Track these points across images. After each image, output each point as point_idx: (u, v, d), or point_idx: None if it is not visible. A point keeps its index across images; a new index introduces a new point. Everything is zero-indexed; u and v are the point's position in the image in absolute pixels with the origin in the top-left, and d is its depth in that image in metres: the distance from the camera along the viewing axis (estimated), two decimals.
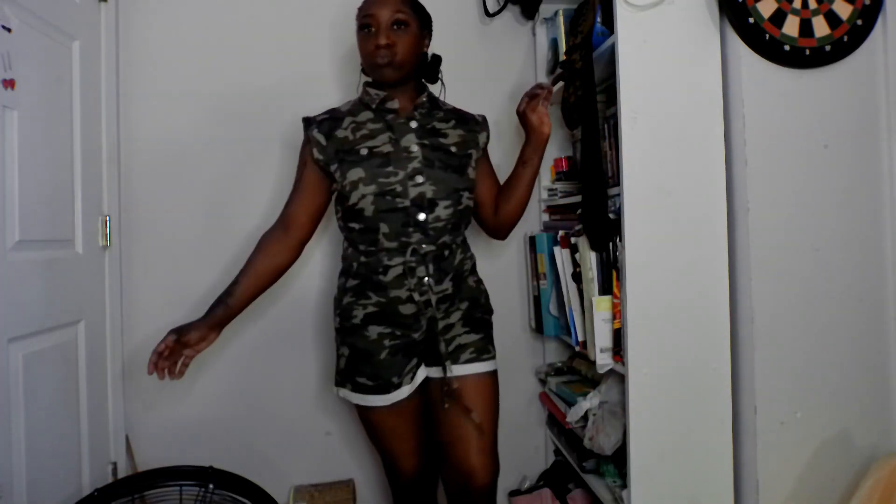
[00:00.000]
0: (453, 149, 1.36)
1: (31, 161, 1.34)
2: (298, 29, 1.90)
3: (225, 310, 1.36)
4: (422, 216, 1.29)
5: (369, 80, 1.39)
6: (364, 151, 1.30)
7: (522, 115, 1.40)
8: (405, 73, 1.33)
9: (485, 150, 1.45)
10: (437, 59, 1.45)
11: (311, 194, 1.37)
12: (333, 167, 1.32)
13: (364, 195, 1.28)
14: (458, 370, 1.36)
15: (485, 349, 1.40)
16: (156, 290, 1.82)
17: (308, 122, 1.38)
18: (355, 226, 1.32)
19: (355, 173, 1.29)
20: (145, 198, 1.82)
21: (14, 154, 1.28)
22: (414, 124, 1.34)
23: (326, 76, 1.91)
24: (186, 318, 1.86)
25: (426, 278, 1.30)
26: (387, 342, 1.33)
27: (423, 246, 1.29)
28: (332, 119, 1.37)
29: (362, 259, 1.33)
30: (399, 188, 1.28)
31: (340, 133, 1.34)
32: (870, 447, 1.35)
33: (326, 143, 1.33)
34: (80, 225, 1.57)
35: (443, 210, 1.30)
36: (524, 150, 1.42)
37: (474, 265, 1.45)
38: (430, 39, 1.42)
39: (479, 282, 1.46)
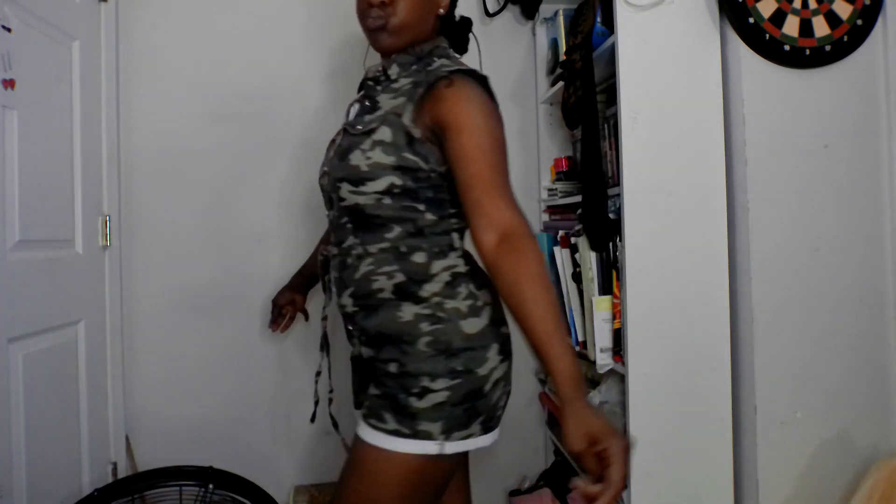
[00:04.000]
0: (358, 127, 1.01)
1: (31, 161, 1.33)
2: (299, 28, 1.90)
3: (300, 278, 1.44)
4: (328, 212, 1.11)
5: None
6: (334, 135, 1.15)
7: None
8: (406, 40, 1.04)
9: (424, 122, 0.96)
10: (465, 23, 1.18)
11: None
12: None
13: None
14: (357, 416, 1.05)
15: (376, 413, 0.98)
16: (156, 290, 1.82)
17: None
18: None
19: None
20: (145, 198, 1.82)
21: (14, 154, 1.28)
22: (367, 102, 1.08)
23: (327, 76, 1.91)
24: (186, 317, 1.87)
25: (331, 286, 1.09)
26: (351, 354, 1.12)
27: (332, 248, 1.08)
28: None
29: None
30: (321, 179, 1.11)
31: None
32: (870, 447, 1.35)
33: None
34: (80, 225, 1.57)
35: (335, 207, 1.06)
36: (560, 392, 0.89)
37: (409, 290, 0.99)
38: None
39: (426, 318, 0.98)
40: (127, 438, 1.76)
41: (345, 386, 1.18)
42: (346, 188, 1.00)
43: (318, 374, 1.26)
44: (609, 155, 1.53)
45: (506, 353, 1.04)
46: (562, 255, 1.61)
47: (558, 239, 1.63)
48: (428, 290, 0.99)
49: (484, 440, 0.99)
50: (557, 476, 1.88)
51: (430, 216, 1.00)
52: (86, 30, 1.61)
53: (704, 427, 1.34)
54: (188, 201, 1.84)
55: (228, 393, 1.86)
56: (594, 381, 1.66)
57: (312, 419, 1.25)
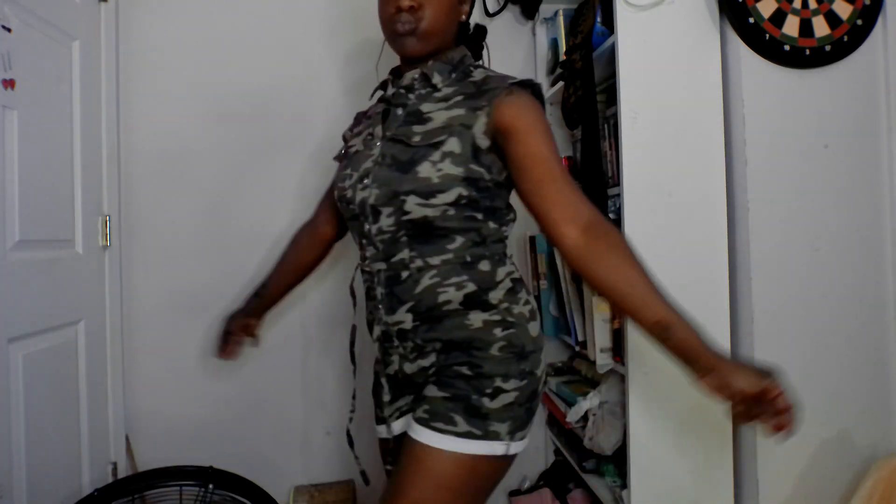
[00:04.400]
0: (416, 138, 0.99)
1: (31, 161, 1.33)
2: (299, 28, 1.90)
3: (258, 301, 1.36)
4: (366, 227, 1.04)
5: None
6: (342, 153, 1.17)
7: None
8: (433, 46, 1.04)
9: (497, 132, 0.98)
10: (480, 31, 1.18)
11: (331, 192, 1.25)
12: None
13: (335, 202, 1.14)
14: (400, 427, 1.10)
15: (444, 416, 0.96)
16: (156, 290, 1.82)
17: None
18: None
19: (336, 175, 1.16)
20: (145, 198, 1.82)
21: (14, 154, 1.28)
22: (399, 111, 1.05)
23: (327, 76, 1.91)
24: (186, 317, 1.87)
25: (377, 303, 1.05)
26: (377, 367, 1.14)
27: (374, 263, 1.04)
28: (359, 114, 1.23)
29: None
30: (350, 193, 1.06)
31: (347, 133, 1.20)
32: (870, 447, 1.35)
33: (344, 145, 1.19)
34: (80, 225, 1.57)
35: (385, 219, 1.01)
36: (689, 344, 0.97)
37: (479, 298, 1.00)
38: (470, 5, 1.13)
39: (497, 324, 1.00)
40: (127, 438, 1.76)
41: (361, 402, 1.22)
42: (413, 201, 0.97)
43: (353, 411, 1.22)
44: (609, 155, 1.53)
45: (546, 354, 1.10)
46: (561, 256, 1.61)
47: None
48: (495, 297, 1.01)
49: (525, 442, 1.02)
50: (557, 476, 1.88)
51: (491, 224, 1.03)
52: (86, 30, 1.61)
53: (704, 427, 1.34)
54: (188, 201, 1.84)
55: (228, 393, 1.86)
56: (594, 381, 1.66)
57: (351, 444, 1.20)
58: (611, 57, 1.39)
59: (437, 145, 0.98)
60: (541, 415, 2.02)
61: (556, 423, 1.84)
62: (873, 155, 1.37)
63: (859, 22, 1.33)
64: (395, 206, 0.99)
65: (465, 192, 0.98)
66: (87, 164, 1.59)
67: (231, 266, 1.86)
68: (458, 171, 0.97)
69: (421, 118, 1.02)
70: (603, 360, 1.43)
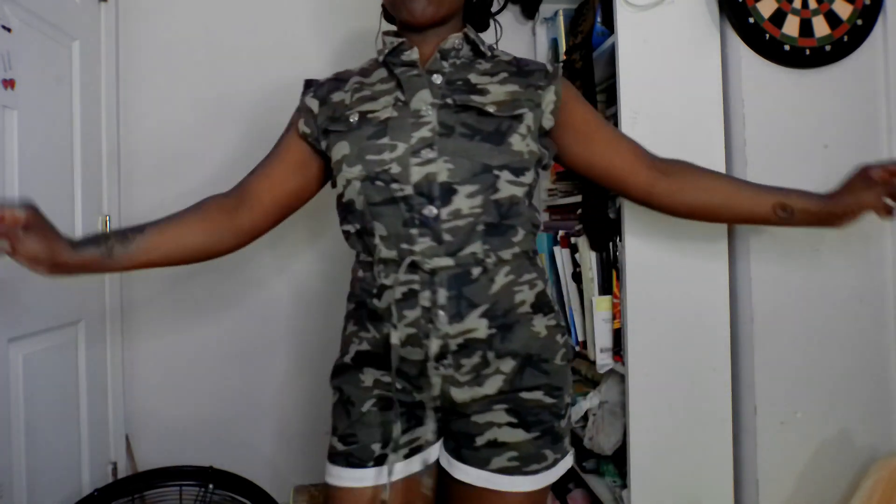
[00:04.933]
0: (491, 108, 0.90)
1: (31, 161, 1.33)
2: (300, 28, 1.90)
3: (102, 257, 0.96)
4: (430, 210, 0.86)
5: (391, 28, 1.03)
6: (354, 118, 0.92)
7: (857, 187, 0.99)
8: (445, 10, 0.94)
9: (561, 109, 0.97)
10: (485, 4, 1.09)
11: (283, 171, 1.01)
12: (324, 144, 0.96)
13: (349, 180, 0.90)
14: (477, 478, 0.92)
15: (537, 456, 0.90)
16: (156, 289, 1.82)
17: (308, 84, 1.04)
18: (350, 228, 0.95)
19: (340, 149, 0.92)
20: (145, 198, 1.82)
21: (14, 154, 1.28)
22: (437, 78, 0.92)
23: (326, 76, 1.91)
24: (186, 317, 1.87)
25: (436, 310, 0.86)
26: (378, 390, 0.93)
27: (433, 259, 0.86)
28: (335, 80, 1.02)
29: (360, 274, 0.96)
30: (395, 168, 0.87)
31: (337, 96, 0.97)
32: (870, 447, 1.35)
33: (319, 110, 0.98)
34: (80, 225, 1.57)
35: (465, 200, 0.86)
36: (809, 206, 1.01)
37: (545, 299, 0.94)
38: None
39: (556, 329, 0.95)
40: (127, 438, 1.76)
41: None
42: (505, 177, 0.88)
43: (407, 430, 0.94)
44: None
45: None
46: (562, 255, 1.61)
47: (558, 239, 1.63)
48: (552, 296, 0.96)
49: None
50: None
51: (537, 214, 0.98)
52: (86, 30, 1.61)
53: (704, 427, 1.34)
54: (188, 201, 1.83)
55: (228, 393, 1.86)
56: (594, 381, 1.66)
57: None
58: (611, 57, 1.39)
59: (519, 118, 0.91)
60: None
61: None
62: (873, 155, 1.36)
63: (859, 22, 1.32)
64: (483, 184, 0.87)
65: (535, 173, 0.94)
66: (87, 164, 1.59)
67: (231, 266, 1.86)
68: (535, 147, 0.93)
69: (475, 89, 0.92)
70: (603, 360, 1.43)
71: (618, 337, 1.41)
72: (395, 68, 0.95)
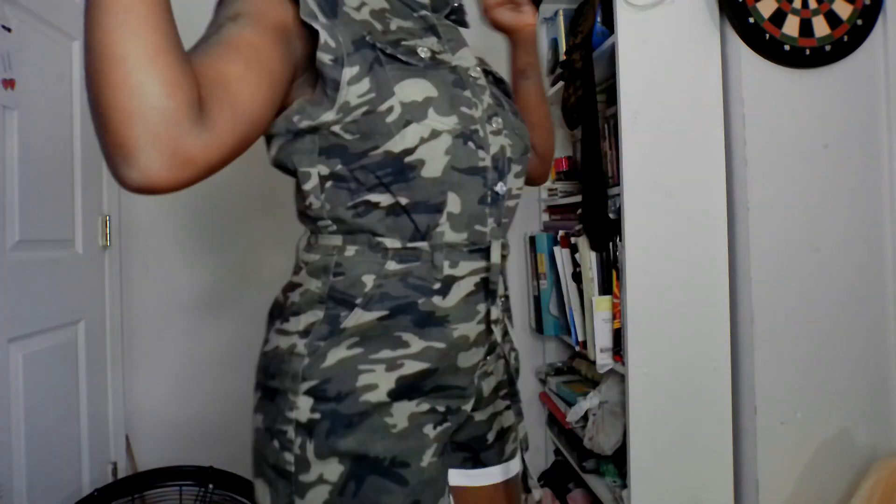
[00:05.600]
0: (505, 86, 0.86)
1: (31, 161, 1.33)
2: None
3: None
4: (502, 187, 0.74)
5: None
6: (425, 53, 0.69)
7: (491, 16, 0.96)
8: None
9: None
10: None
11: (268, 81, 0.59)
12: (353, 70, 0.63)
13: (437, 132, 0.66)
14: (497, 474, 0.84)
15: (524, 439, 0.82)
16: (156, 290, 1.82)
17: None
18: (386, 200, 0.68)
19: (419, 88, 0.66)
20: (145, 198, 1.82)
21: (14, 154, 1.29)
22: (450, 38, 0.76)
23: None
24: (186, 317, 1.87)
25: (500, 300, 0.76)
26: (430, 430, 0.70)
27: (497, 242, 0.74)
28: None
29: (392, 267, 0.69)
30: (482, 131, 0.71)
31: (354, 14, 0.67)
32: (870, 447, 1.35)
33: (330, 20, 0.64)
34: (80, 225, 1.57)
35: (514, 180, 0.77)
36: (515, 59, 0.97)
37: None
38: None
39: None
40: (127, 438, 1.76)
41: None
42: (529, 160, 0.83)
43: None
44: (609, 155, 1.53)
45: None
46: (562, 255, 1.61)
47: (558, 239, 1.63)
48: None
49: None
50: (557, 476, 1.88)
51: None
52: None
53: (704, 427, 1.34)
54: (188, 201, 1.84)
55: (228, 393, 1.86)
56: (594, 381, 1.66)
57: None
58: (611, 57, 1.39)
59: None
60: (541, 415, 2.02)
61: (556, 423, 1.84)
62: (873, 155, 1.37)
63: (859, 22, 1.32)
64: (524, 165, 0.80)
65: None
66: (87, 164, 1.59)
67: (231, 266, 1.86)
68: None
69: (483, 62, 0.86)
70: (603, 360, 1.42)
71: (618, 337, 1.41)
72: (419, 9, 0.75)
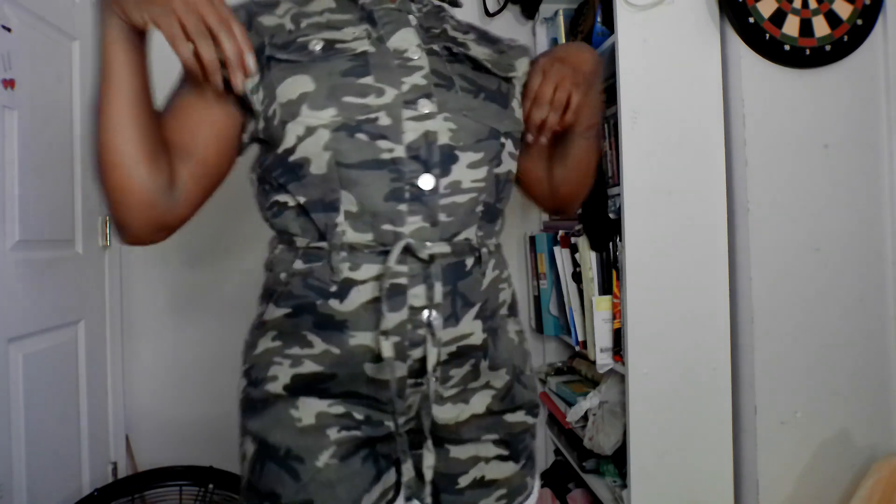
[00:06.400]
0: (489, 64, 0.75)
1: (31, 161, 1.33)
2: None
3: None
4: (427, 181, 0.67)
5: None
6: (316, 45, 0.68)
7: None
8: None
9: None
10: None
11: (200, 137, 0.71)
12: (254, 80, 0.68)
13: (311, 128, 0.66)
14: None
15: (522, 486, 0.77)
16: (156, 290, 1.82)
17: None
18: (288, 199, 0.70)
19: (294, 85, 0.67)
20: None
21: (14, 154, 1.28)
22: (412, 20, 0.74)
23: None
24: (186, 317, 1.87)
25: (427, 311, 0.67)
26: (334, 432, 0.69)
27: (427, 243, 0.67)
28: (253, 4, 0.73)
29: (298, 266, 0.70)
30: (385, 120, 0.66)
31: (269, 20, 0.71)
32: (870, 447, 1.35)
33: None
34: (80, 225, 1.57)
35: (466, 171, 0.69)
36: (577, 123, 0.82)
37: (516, 299, 0.82)
38: None
39: (523, 335, 0.82)
40: (127, 438, 1.76)
41: None
42: (509, 148, 0.74)
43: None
44: (609, 155, 1.53)
45: None
46: (562, 255, 1.61)
47: (558, 239, 1.63)
48: (512, 297, 0.81)
49: None
50: (557, 476, 1.88)
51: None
52: (86, 30, 1.61)
53: (704, 427, 1.34)
54: None
55: (228, 393, 1.85)
56: (594, 381, 1.66)
57: None
58: (611, 57, 1.39)
59: (512, 81, 0.78)
60: (541, 414, 2.02)
61: (556, 423, 1.84)
62: (873, 155, 1.37)
63: (859, 22, 1.32)
64: (488, 152, 0.70)
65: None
66: (86, 164, 1.59)
67: (231, 266, 1.86)
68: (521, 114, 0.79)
69: (454, 40, 0.76)
70: (603, 360, 1.42)
71: (618, 337, 1.41)
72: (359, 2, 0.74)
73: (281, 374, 0.71)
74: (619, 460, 1.48)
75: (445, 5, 0.84)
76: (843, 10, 1.32)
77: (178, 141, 0.69)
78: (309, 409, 0.69)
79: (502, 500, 0.74)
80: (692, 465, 1.34)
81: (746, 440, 1.34)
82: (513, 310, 0.80)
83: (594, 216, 1.43)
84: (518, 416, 0.77)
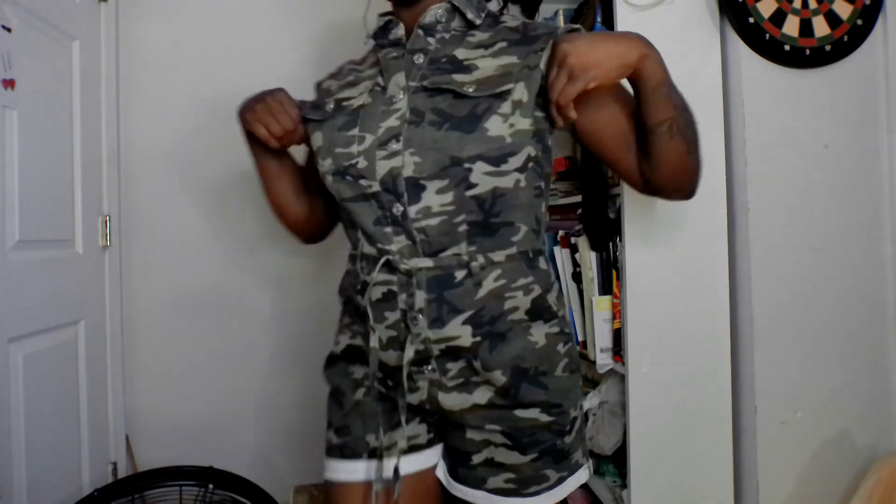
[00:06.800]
0: (470, 88, 0.80)
1: (31, 161, 1.34)
2: (299, 28, 1.90)
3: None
4: (397, 208, 0.80)
5: (388, 7, 0.93)
6: (330, 106, 0.89)
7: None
8: None
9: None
10: None
11: (310, 172, 1.01)
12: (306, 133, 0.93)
13: (323, 174, 0.88)
14: (474, 497, 0.86)
15: (536, 478, 0.83)
16: (156, 290, 1.82)
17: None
18: (343, 218, 0.93)
19: (315, 140, 0.90)
20: (145, 198, 1.82)
21: (14, 154, 1.29)
22: (419, 58, 0.85)
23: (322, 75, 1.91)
24: (186, 317, 1.87)
25: (414, 314, 0.80)
26: (367, 382, 0.90)
27: (412, 259, 0.80)
28: (341, 67, 1.00)
29: (349, 266, 0.93)
30: (362, 163, 0.81)
31: (328, 83, 0.97)
32: (870, 447, 1.35)
33: (310, 100, 0.96)
34: (80, 225, 1.57)
35: (435, 197, 0.79)
36: (643, 115, 0.85)
37: (543, 304, 0.85)
38: None
39: (558, 336, 0.86)
40: (127, 438, 1.76)
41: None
42: (481, 169, 0.78)
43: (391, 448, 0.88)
44: None
45: None
46: (562, 255, 1.61)
47: (558, 239, 1.63)
48: (553, 301, 0.85)
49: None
50: None
51: (544, 204, 0.88)
52: (86, 30, 1.61)
53: (704, 427, 1.34)
54: (188, 201, 1.84)
55: (228, 393, 1.86)
56: (594, 381, 1.66)
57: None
58: None
59: (503, 95, 0.79)
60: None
61: None
62: (873, 155, 1.37)
63: (859, 22, 1.32)
64: (453, 179, 0.78)
65: (533, 152, 0.82)
66: (87, 164, 1.59)
67: (231, 266, 1.86)
68: (527, 123, 0.80)
69: (461, 66, 0.82)
70: (603, 360, 1.42)
71: (618, 337, 1.41)
72: (380, 50, 0.89)
73: (342, 342, 0.95)
74: (619, 460, 1.48)
75: (500, 13, 0.94)
76: (843, 10, 1.32)
77: (306, 180, 1.03)
78: (357, 369, 0.92)
79: (510, 484, 0.83)
80: (692, 465, 1.34)
81: (746, 440, 1.34)
82: (538, 314, 0.84)
83: (594, 216, 1.43)
84: (530, 413, 0.83)
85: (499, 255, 0.81)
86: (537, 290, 0.84)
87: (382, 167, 0.81)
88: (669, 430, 1.33)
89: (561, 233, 1.64)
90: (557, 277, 1.62)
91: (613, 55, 0.77)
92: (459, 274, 0.80)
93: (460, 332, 0.80)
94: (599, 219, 1.42)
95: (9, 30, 1.26)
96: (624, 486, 1.39)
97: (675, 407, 1.33)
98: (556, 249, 1.62)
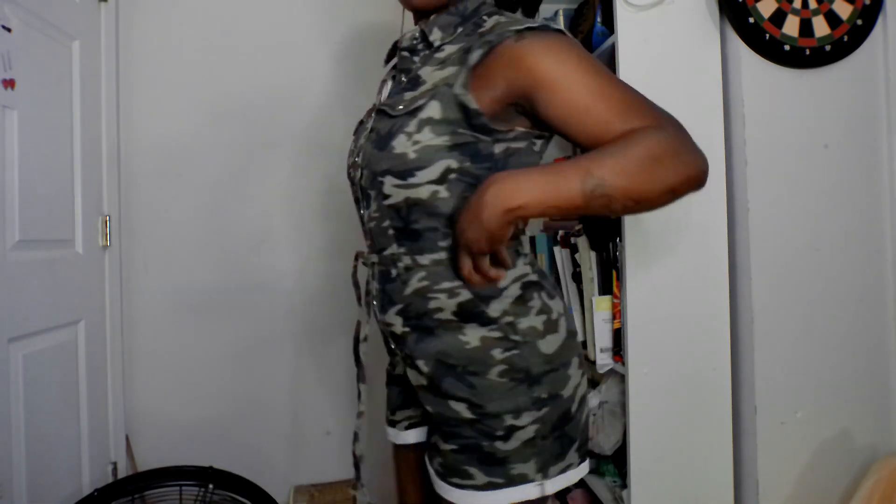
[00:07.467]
0: (400, 107, 0.84)
1: (31, 161, 1.34)
2: (300, 28, 1.90)
3: None
4: (361, 212, 0.94)
5: None
6: (362, 117, 1.02)
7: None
8: None
9: (481, 76, 0.79)
10: None
11: None
12: None
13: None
14: (413, 438, 1.03)
15: (459, 471, 0.84)
16: (156, 290, 1.82)
17: None
18: None
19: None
20: (145, 198, 1.82)
21: (14, 154, 1.29)
22: (403, 77, 0.90)
23: (324, 76, 1.91)
24: (186, 317, 1.87)
25: (370, 299, 0.94)
26: (387, 367, 1.06)
27: (371, 255, 0.93)
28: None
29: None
30: (352, 173, 0.95)
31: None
32: (870, 447, 1.35)
33: None
34: (80, 225, 1.57)
35: (373, 204, 0.88)
36: None
37: (473, 309, 0.84)
38: None
39: (497, 342, 0.84)
40: (127, 438, 1.76)
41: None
42: (390, 182, 0.82)
43: (361, 414, 0.98)
44: None
45: (583, 365, 0.91)
46: (562, 255, 1.61)
47: (558, 239, 1.63)
48: (497, 308, 0.84)
49: (583, 469, 0.91)
50: None
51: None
52: (86, 30, 1.61)
53: (704, 427, 1.34)
54: (188, 201, 1.84)
55: (228, 393, 1.86)
56: (594, 381, 1.66)
57: (358, 476, 1.00)
58: (611, 57, 1.39)
59: (414, 112, 0.81)
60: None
61: None
62: (873, 155, 1.37)
63: (859, 22, 1.32)
64: (376, 190, 0.86)
65: (455, 164, 0.80)
66: (87, 164, 1.59)
67: (231, 266, 1.86)
68: (440, 140, 0.79)
69: (417, 83, 0.85)
70: (603, 360, 1.42)
71: (618, 337, 1.41)
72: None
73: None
74: (619, 460, 1.48)
75: (461, 13, 0.88)
76: (843, 11, 1.32)
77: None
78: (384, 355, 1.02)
79: (440, 468, 0.86)
80: (692, 465, 1.34)
81: (746, 440, 1.34)
82: (471, 317, 0.84)
83: (594, 216, 1.43)
84: (457, 406, 0.85)
85: (424, 259, 0.85)
86: (466, 295, 0.83)
87: (356, 177, 0.93)
88: (669, 430, 1.33)
89: (561, 233, 1.64)
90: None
91: (489, 221, 0.72)
92: (394, 271, 0.88)
93: (394, 321, 0.90)
94: (599, 219, 1.42)
95: (9, 30, 1.26)
96: (624, 486, 1.39)
97: (675, 407, 1.33)
98: (556, 249, 1.62)
